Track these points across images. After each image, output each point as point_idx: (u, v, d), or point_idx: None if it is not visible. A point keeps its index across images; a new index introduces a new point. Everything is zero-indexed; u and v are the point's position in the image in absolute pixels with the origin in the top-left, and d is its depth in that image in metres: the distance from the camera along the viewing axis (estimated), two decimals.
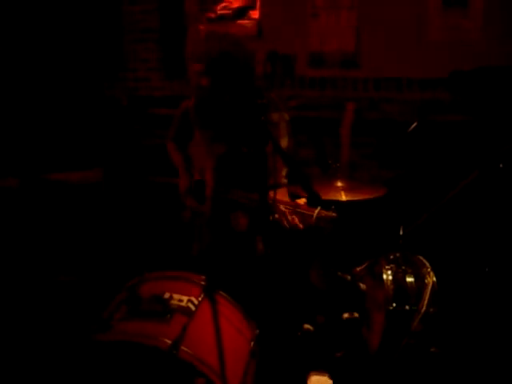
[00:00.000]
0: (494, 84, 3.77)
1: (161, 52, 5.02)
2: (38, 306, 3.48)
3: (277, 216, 2.50)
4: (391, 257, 2.92)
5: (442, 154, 3.73)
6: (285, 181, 2.80)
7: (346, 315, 2.92)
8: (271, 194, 2.44)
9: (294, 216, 2.48)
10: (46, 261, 3.89)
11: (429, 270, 2.82)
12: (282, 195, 2.59)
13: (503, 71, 3.77)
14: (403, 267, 2.85)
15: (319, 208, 2.39)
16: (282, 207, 2.50)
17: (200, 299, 2.26)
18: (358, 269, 2.95)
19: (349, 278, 2.93)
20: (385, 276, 2.80)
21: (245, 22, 4.63)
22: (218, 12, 4.73)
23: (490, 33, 3.94)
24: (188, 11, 4.88)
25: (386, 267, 2.84)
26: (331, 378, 2.77)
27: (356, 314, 2.89)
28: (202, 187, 2.97)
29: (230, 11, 4.69)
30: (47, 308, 3.47)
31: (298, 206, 2.49)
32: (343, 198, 3.00)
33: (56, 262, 3.90)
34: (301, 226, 2.48)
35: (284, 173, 2.81)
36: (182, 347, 2.04)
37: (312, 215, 2.41)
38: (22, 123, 4.61)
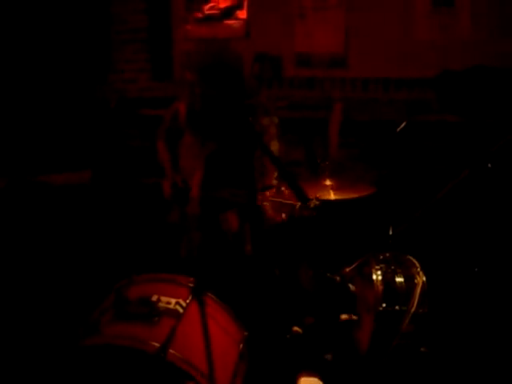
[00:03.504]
0: (482, 84, 3.78)
1: (149, 53, 5.00)
2: (25, 309, 3.45)
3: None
4: (381, 257, 2.91)
5: (431, 154, 3.74)
6: (275, 182, 2.81)
7: (344, 316, 2.91)
8: (261, 194, 2.47)
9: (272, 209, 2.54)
10: (32, 262, 3.86)
11: (418, 270, 2.82)
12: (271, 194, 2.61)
13: (492, 71, 3.78)
14: (393, 267, 2.85)
15: None
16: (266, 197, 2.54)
17: (188, 301, 2.24)
18: (348, 269, 2.94)
19: (338, 278, 2.92)
20: (374, 276, 2.79)
21: (232, 22, 4.62)
22: (206, 12, 4.72)
23: (478, 31, 3.95)
24: (175, 11, 4.86)
25: (376, 267, 2.83)
26: (321, 379, 2.77)
27: (354, 317, 2.88)
28: (185, 191, 2.98)
29: (217, 11, 4.68)
30: (34, 311, 3.44)
31: (283, 195, 2.52)
32: (332, 196, 3.00)
33: (43, 264, 3.87)
34: (278, 217, 2.53)
35: (275, 175, 2.82)
36: (170, 350, 2.02)
37: (295, 205, 2.45)
38: (10, 124, 4.58)
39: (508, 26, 3.88)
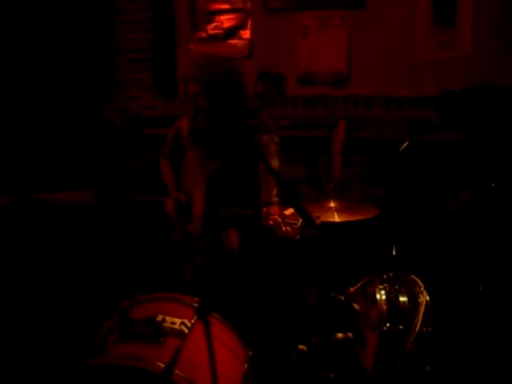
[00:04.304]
0: (485, 102, 3.80)
1: (153, 71, 5.04)
2: (28, 328, 3.45)
3: (271, 223, 2.53)
4: (384, 276, 2.91)
5: (434, 172, 3.75)
6: (275, 199, 2.82)
7: (339, 335, 2.91)
8: (264, 210, 2.48)
9: (287, 227, 2.51)
10: (37, 281, 3.87)
11: (422, 289, 2.82)
12: (273, 211, 2.62)
13: (494, 90, 3.80)
14: (396, 287, 2.85)
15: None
16: (277, 218, 2.53)
17: (193, 321, 2.24)
18: (352, 289, 2.95)
19: (342, 298, 2.92)
20: (378, 296, 2.80)
21: (236, 41, 4.65)
22: (210, 32, 4.75)
23: (480, 50, 3.98)
24: (179, 31, 4.91)
25: (380, 287, 2.84)
26: None
27: (350, 334, 2.88)
28: (188, 209, 2.99)
29: (221, 31, 4.71)
30: (38, 330, 3.44)
31: (285, 216, 2.53)
32: (336, 218, 3.01)
33: (47, 283, 3.87)
34: (296, 236, 2.52)
35: (275, 192, 2.83)
36: (176, 371, 2.03)
37: (296, 223, 2.45)
38: (14, 143, 4.61)
39: (510, 44, 3.91)
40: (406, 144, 3.22)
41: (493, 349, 2.94)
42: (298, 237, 2.52)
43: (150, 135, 4.82)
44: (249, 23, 4.65)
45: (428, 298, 2.77)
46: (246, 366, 2.36)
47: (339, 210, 3.06)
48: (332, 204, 3.11)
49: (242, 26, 4.67)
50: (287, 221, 2.50)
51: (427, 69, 4.10)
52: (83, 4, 4.98)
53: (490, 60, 3.95)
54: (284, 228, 2.51)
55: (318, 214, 2.55)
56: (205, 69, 2.83)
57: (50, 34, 4.83)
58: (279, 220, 2.52)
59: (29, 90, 4.73)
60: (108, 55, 5.13)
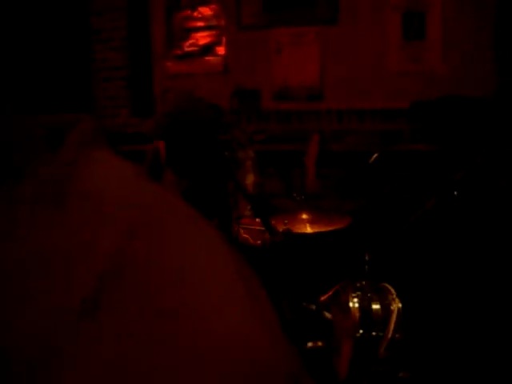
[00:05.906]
0: (454, 113, 3.89)
1: (129, 89, 5.09)
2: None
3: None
4: (357, 285, 2.96)
5: (404, 183, 3.82)
6: (248, 213, 2.88)
7: (309, 344, 2.95)
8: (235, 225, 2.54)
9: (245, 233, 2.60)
10: None
11: (394, 296, 2.87)
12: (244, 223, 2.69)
13: (463, 101, 3.89)
14: (369, 294, 2.89)
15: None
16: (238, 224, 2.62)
17: None
18: (323, 298, 2.99)
19: (314, 307, 2.96)
20: (351, 304, 2.84)
21: (211, 58, 4.74)
22: (185, 49, 4.83)
23: (449, 63, 4.08)
24: (155, 49, 4.97)
25: (353, 295, 2.88)
26: None
27: (320, 343, 2.93)
28: None
29: (196, 48, 4.79)
30: None
31: (253, 222, 2.60)
32: (309, 230, 3.06)
33: None
34: (256, 241, 2.59)
35: (248, 207, 2.89)
36: None
37: (252, 227, 2.52)
38: None
39: (478, 56, 4.01)
40: (375, 156, 3.30)
41: (466, 352, 3.00)
42: (259, 242, 2.58)
43: (127, 152, 4.86)
44: (223, 40, 4.75)
45: (400, 305, 2.82)
46: None
47: (311, 222, 3.12)
48: (304, 216, 3.17)
49: (217, 42, 4.76)
50: (253, 227, 2.57)
51: (398, 81, 4.19)
52: (58, 23, 5.03)
53: (459, 71, 4.04)
54: (242, 232, 2.59)
55: (286, 221, 2.62)
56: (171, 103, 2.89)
57: (25, 52, 4.87)
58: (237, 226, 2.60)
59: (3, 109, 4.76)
60: (84, 74, 5.18)
